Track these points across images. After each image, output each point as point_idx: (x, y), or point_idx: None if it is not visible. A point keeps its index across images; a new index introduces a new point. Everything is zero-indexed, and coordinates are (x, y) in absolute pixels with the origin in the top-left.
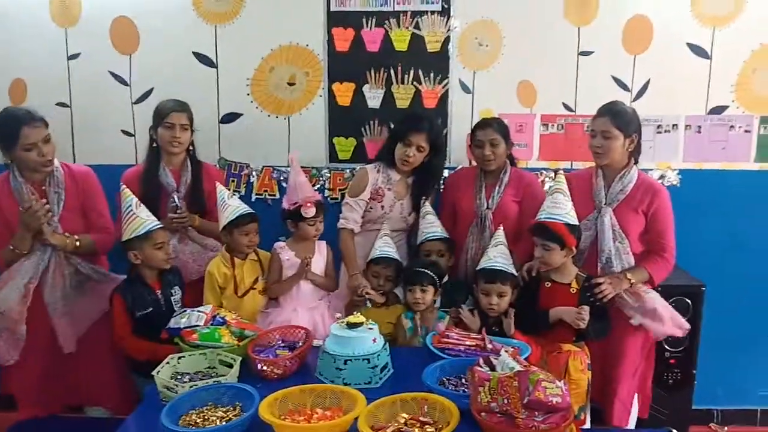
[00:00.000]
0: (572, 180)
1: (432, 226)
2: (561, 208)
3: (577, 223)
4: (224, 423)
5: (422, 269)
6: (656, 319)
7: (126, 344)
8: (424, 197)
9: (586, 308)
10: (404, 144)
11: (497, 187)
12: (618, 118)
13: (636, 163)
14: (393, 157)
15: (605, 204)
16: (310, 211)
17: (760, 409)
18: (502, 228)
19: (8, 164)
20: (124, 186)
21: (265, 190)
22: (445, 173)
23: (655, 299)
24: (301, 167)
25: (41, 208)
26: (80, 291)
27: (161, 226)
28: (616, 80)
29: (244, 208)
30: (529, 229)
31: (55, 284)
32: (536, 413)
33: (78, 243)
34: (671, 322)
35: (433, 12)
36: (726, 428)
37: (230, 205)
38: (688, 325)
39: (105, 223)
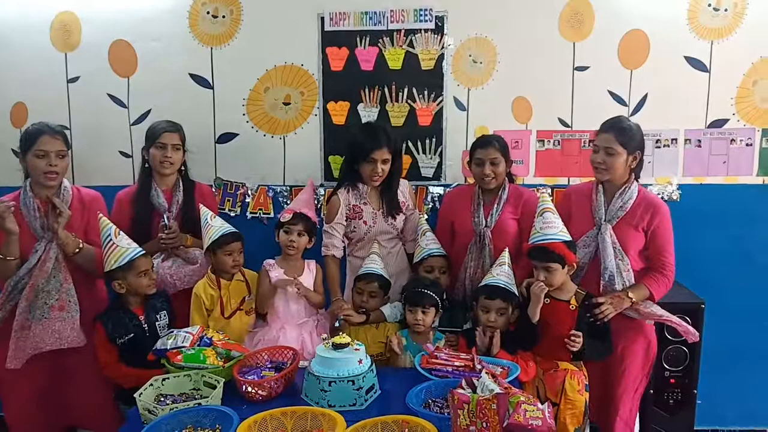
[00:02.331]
0: (571, 195)
1: (434, 243)
2: (553, 227)
3: (570, 239)
4: None
5: (424, 290)
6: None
7: (111, 372)
8: (420, 214)
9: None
10: (368, 162)
11: (496, 205)
12: (623, 135)
13: (637, 178)
14: (356, 175)
15: (605, 221)
16: (285, 216)
17: None
18: (507, 249)
19: (23, 182)
20: (101, 215)
21: (260, 209)
22: (441, 191)
23: (657, 309)
24: (296, 186)
25: (6, 209)
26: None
27: (143, 252)
28: (613, 95)
29: (227, 228)
30: (527, 254)
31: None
32: None
33: (81, 246)
34: (681, 326)
35: (426, 30)
36: None
37: (212, 226)
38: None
39: None
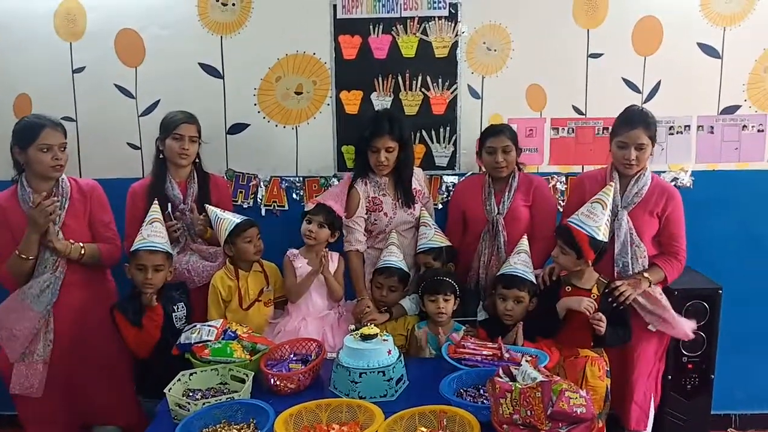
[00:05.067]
0: (585, 181)
1: (421, 238)
2: (594, 220)
3: (605, 239)
4: None
5: (443, 278)
6: (670, 326)
7: (139, 348)
8: (422, 208)
9: (600, 315)
10: (372, 151)
11: (507, 192)
12: (650, 129)
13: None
14: (368, 165)
15: (621, 207)
16: (309, 205)
17: None
18: (525, 236)
19: (15, 179)
20: (156, 202)
21: (274, 201)
22: (455, 180)
23: (668, 306)
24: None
25: (51, 203)
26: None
27: (152, 249)
28: (627, 82)
29: (239, 217)
30: (557, 228)
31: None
32: (560, 424)
33: (83, 251)
34: (683, 326)
35: (440, 17)
36: None
37: (224, 219)
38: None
39: (112, 236)
